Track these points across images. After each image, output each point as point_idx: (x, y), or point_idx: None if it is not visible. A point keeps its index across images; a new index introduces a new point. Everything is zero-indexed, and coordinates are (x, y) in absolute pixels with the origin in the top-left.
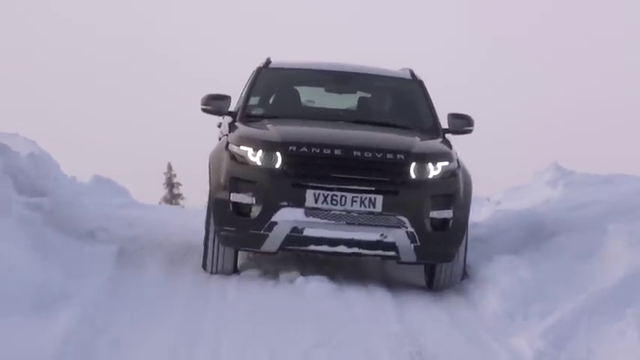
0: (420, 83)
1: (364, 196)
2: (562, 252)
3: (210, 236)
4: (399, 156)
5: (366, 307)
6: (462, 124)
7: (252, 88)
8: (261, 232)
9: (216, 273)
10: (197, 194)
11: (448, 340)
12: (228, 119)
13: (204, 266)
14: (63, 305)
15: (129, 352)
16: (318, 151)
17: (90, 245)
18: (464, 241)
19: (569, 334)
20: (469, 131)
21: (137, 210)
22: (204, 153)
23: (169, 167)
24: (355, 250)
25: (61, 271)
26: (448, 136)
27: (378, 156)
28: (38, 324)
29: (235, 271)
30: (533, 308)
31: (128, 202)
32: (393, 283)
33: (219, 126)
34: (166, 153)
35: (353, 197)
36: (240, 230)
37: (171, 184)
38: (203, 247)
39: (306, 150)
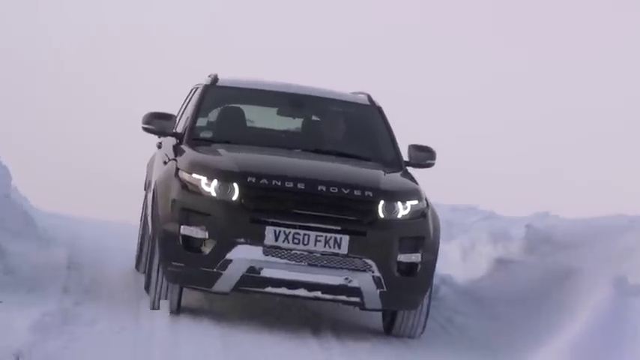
0: (379, 110)
1: (329, 235)
2: None
3: (154, 270)
4: (367, 193)
5: None
6: (424, 157)
7: (200, 108)
8: (214, 270)
9: (159, 309)
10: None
11: None
12: (171, 140)
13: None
14: None
15: None
16: (279, 183)
17: None
18: (430, 288)
19: None
20: (431, 165)
21: None
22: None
23: None
24: (317, 294)
25: None
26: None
27: (345, 192)
28: None
29: (179, 309)
30: None
31: None
32: (344, 328)
33: (159, 146)
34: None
35: (317, 236)
36: (189, 267)
37: None
38: (145, 280)
39: (266, 182)
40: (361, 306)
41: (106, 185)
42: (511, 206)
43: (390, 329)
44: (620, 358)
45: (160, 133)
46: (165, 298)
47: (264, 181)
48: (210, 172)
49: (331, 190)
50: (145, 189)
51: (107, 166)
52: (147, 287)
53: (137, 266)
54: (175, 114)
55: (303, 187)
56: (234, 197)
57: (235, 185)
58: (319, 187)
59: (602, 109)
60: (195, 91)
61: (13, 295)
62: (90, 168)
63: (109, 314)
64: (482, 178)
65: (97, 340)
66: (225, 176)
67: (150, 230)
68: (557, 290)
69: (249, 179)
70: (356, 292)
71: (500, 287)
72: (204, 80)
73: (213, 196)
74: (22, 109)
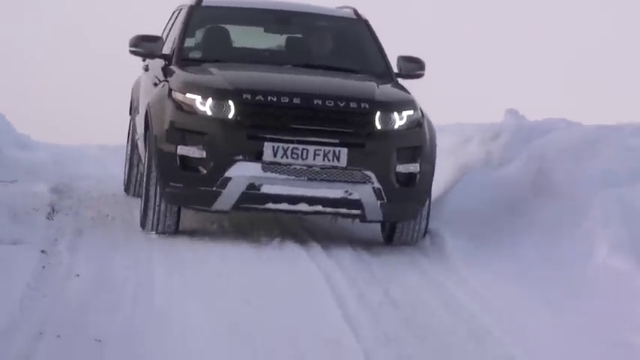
0: (366, 23)
1: (327, 149)
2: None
3: (152, 192)
4: (363, 104)
5: None
6: (413, 67)
7: (187, 29)
8: (214, 188)
9: (157, 233)
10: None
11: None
12: (159, 62)
13: (142, 225)
14: None
15: None
16: (275, 99)
17: None
18: (429, 197)
19: None
20: (421, 75)
21: None
22: None
23: None
24: (318, 208)
25: None
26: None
27: (341, 105)
28: None
29: (177, 230)
30: None
31: None
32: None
33: (146, 69)
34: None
35: (315, 150)
36: (188, 187)
37: None
38: (142, 203)
39: (262, 98)
40: (362, 218)
41: (89, 109)
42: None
43: (390, 239)
44: None
45: (148, 56)
46: (164, 220)
47: (259, 97)
48: (205, 91)
49: (327, 103)
50: (129, 113)
51: (88, 91)
52: (144, 210)
53: (126, 189)
54: (162, 37)
55: (299, 102)
56: (230, 115)
57: (231, 103)
58: (315, 101)
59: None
60: (179, 13)
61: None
62: (71, 94)
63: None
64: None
65: None
66: (220, 94)
67: (143, 153)
68: None
69: (244, 96)
70: (357, 204)
71: None
72: (188, 1)
73: (209, 115)
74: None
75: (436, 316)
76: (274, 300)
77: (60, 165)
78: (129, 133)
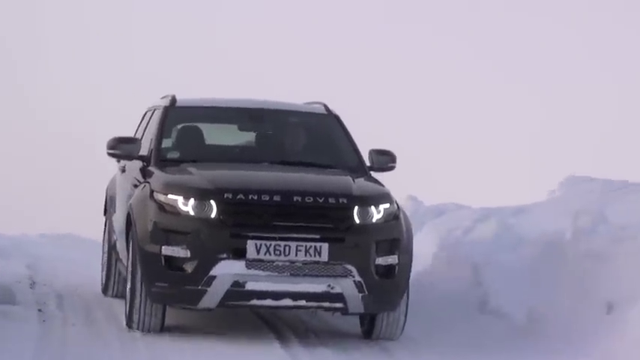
0: (337, 118)
1: (309, 244)
2: None
3: (137, 291)
4: (341, 200)
5: None
6: (385, 160)
7: (162, 130)
8: (199, 287)
9: (143, 331)
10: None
11: None
12: (137, 164)
13: (128, 324)
14: None
15: None
16: (256, 197)
17: None
18: (407, 289)
19: None
20: (392, 168)
21: None
22: None
23: None
24: (301, 302)
25: None
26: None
27: (320, 200)
28: None
29: (162, 328)
30: None
31: None
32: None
33: (123, 170)
34: None
35: (297, 246)
36: (174, 286)
37: None
38: (127, 303)
39: (243, 197)
40: (344, 311)
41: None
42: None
43: (370, 333)
44: None
45: (127, 157)
46: (150, 318)
47: (240, 196)
48: (186, 192)
49: (306, 199)
50: (104, 213)
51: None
52: (130, 309)
53: (104, 290)
54: (139, 138)
55: (279, 199)
56: (213, 214)
57: (212, 202)
58: (295, 198)
59: None
60: (152, 113)
61: None
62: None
63: None
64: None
65: None
66: (201, 194)
67: (124, 253)
68: None
69: (225, 195)
70: (339, 297)
71: None
72: (161, 102)
73: (192, 215)
74: None
75: None
76: None
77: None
78: (104, 233)
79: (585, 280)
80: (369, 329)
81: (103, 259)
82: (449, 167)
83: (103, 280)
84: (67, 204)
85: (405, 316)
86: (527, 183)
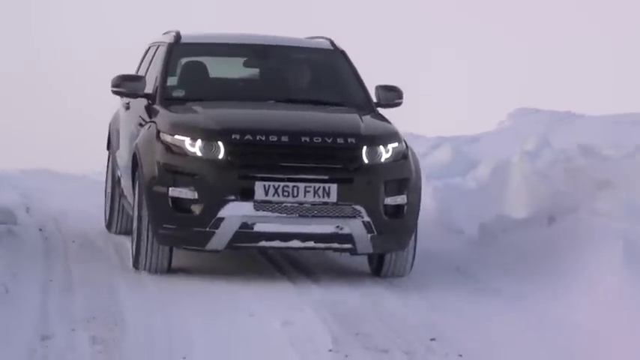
0: (343, 54)
1: (317, 185)
2: None
3: (144, 233)
4: (349, 140)
5: None
6: (392, 96)
7: (167, 68)
8: (207, 229)
9: (150, 272)
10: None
11: None
12: (142, 101)
13: (135, 265)
14: None
15: None
16: (263, 138)
17: None
18: (415, 228)
19: None
20: (399, 104)
21: None
22: None
23: None
24: (310, 244)
25: None
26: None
27: (329, 141)
28: None
29: (169, 269)
30: None
31: None
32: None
33: (127, 107)
34: None
35: (306, 187)
36: (181, 228)
37: None
38: (134, 243)
39: (250, 138)
40: (353, 251)
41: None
42: None
43: (378, 271)
44: None
45: (131, 95)
46: (157, 260)
47: (248, 137)
48: (194, 132)
49: (315, 140)
50: (107, 148)
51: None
52: (137, 250)
53: (108, 226)
54: (143, 76)
55: (287, 140)
56: (220, 155)
57: (220, 143)
58: (303, 139)
59: None
60: (156, 50)
61: None
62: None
63: None
64: None
65: None
66: (209, 135)
67: (130, 191)
68: None
69: (233, 136)
70: (348, 238)
71: None
72: (164, 38)
73: (199, 156)
74: None
75: None
76: None
77: None
78: (108, 167)
79: (530, 197)
80: (377, 267)
81: (105, 195)
82: (405, 100)
83: (107, 215)
84: (39, 140)
85: (414, 253)
86: (478, 115)
